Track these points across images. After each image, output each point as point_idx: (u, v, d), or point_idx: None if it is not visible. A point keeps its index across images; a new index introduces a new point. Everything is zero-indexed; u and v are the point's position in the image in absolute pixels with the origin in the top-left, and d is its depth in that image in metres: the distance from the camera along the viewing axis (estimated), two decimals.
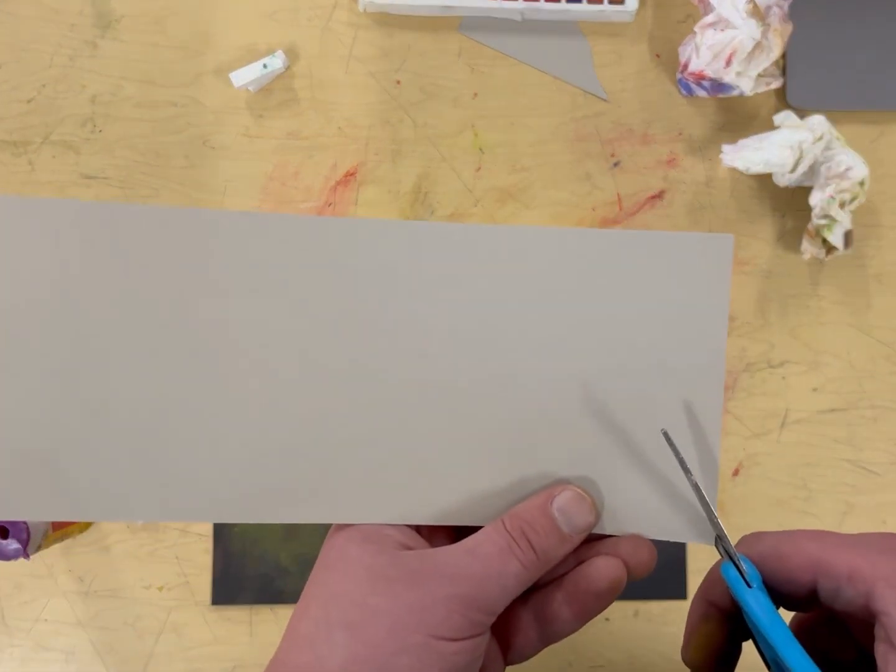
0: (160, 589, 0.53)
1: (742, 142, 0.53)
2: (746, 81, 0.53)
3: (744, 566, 0.29)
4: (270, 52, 0.56)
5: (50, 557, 0.53)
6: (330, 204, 0.56)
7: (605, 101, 0.57)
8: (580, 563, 0.32)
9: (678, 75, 0.56)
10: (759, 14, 0.51)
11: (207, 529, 0.53)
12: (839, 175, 0.51)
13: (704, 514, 0.31)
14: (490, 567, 0.30)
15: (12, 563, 0.52)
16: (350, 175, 0.56)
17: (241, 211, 0.33)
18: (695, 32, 0.53)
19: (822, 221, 0.52)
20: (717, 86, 0.55)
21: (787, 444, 0.55)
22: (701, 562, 0.53)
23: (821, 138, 0.52)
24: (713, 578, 0.31)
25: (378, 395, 0.32)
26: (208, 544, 0.53)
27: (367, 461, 0.32)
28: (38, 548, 0.52)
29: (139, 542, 0.53)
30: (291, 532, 0.53)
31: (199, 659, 0.52)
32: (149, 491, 0.32)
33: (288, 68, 0.56)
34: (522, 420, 0.33)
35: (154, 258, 0.32)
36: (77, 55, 0.56)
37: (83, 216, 0.32)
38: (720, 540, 0.31)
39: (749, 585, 0.29)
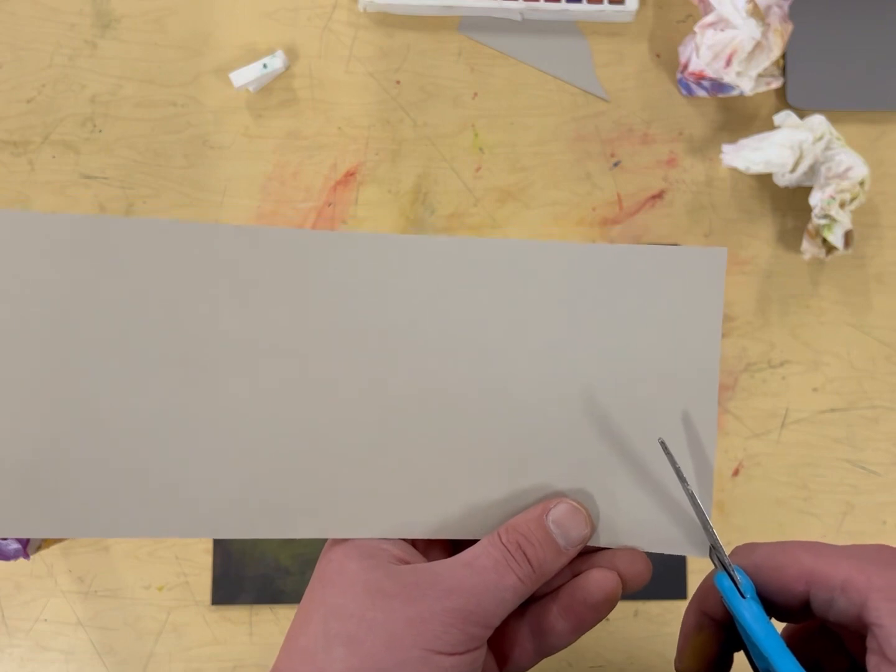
0: (160, 589, 0.53)
1: (742, 142, 0.53)
2: (746, 81, 0.53)
3: (738, 577, 0.29)
4: (270, 52, 0.56)
5: (50, 557, 0.53)
6: (330, 204, 0.56)
7: (605, 100, 0.57)
8: (575, 575, 0.32)
9: (678, 75, 0.56)
10: (759, 14, 0.51)
11: None
12: (839, 175, 0.51)
13: (699, 525, 0.31)
14: (487, 580, 0.30)
15: (12, 563, 0.52)
16: (350, 175, 0.56)
17: (235, 225, 0.32)
18: (695, 32, 0.53)
19: (823, 221, 0.52)
20: (717, 86, 0.55)
21: (787, 444, 0.55)
22: (701, 562, 0.53)
23: (821, 138, 0.52)
24: (707, 588, 0.31)
25: (373, 408, 0.32)
26: (208, 544, 0.53)
27: (363, 475, 0.32)
28: (38, 548, 0.52)
29: (139, 543, 0.53)
30: None
31: (199, 659, 0.52)
32: (141, 507, 0.31)
33: (288, 68, 0.56)
34: (518, 432, 0.33)
35: (145, 272, 0.32)
36: (77, 55, 0.56)
37: (73, 230, 0.31)
38: (714, 550, 0.31)
39: (743, 596, 0.29)
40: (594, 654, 0.52)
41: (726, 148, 0.53)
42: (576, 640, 0.32)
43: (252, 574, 0.52)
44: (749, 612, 0.29)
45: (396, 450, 0.32)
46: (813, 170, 0.53)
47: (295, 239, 0.32)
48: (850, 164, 0.51)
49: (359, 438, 0.32)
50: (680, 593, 0.53)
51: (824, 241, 0.52)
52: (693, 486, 0.32)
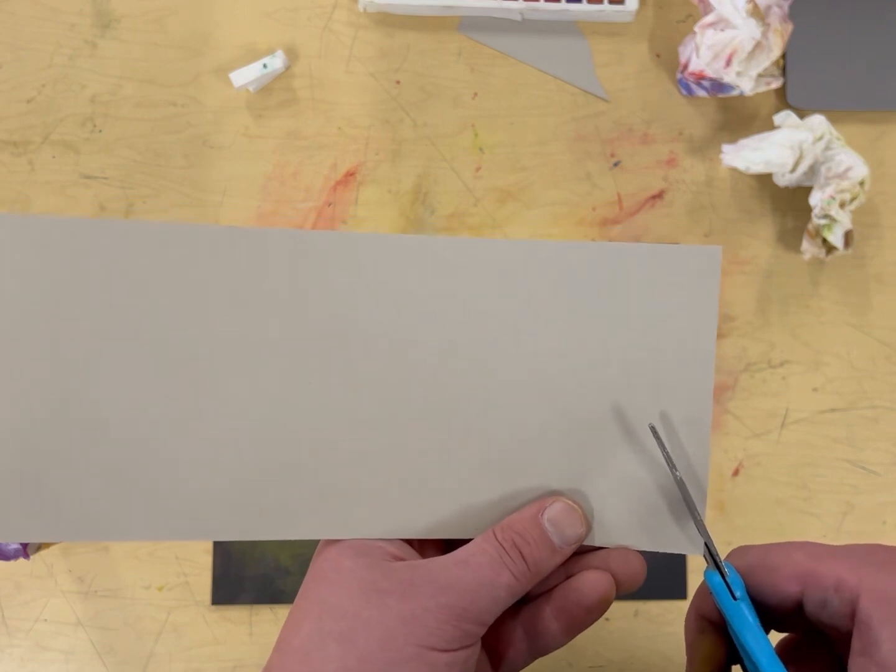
0: (160, 589, 0.53)
1: (742, 142, 0.53)
2: (746, 81, 0.53)
3: (726, 570, 0.29)
4: (270, 51, 0.56)
5: (50, 557, 0.53)
6: (330, 204, 0.56)
7: (605, 100, 0.57)
8: (569, 576, 0.32)
9: (678, 75, 0.56)
10: (759, 14, 0.51)
11: None
12: (839, 175, 0.51)
13: (692, 521, 0.31)
14: (481, 577, 0.30)
15: (12, 563, 0.52)
16: (350, 175, 0.56)
17: (229, 226, 0.32)
18: (695, 32, 0.53)
19: (823, 221, 0.52)
20: (717, 86, 0.55)
21: (787, 444, 0.55)
22: (701, 562, 0.53)
23: (821, 138, 0.52)
24: (704, 592, 0.31)
25: (368, 410, 0.32)
26: (208, 544, 0.53)
27: (359, 476, 0.32)
28: (38, 548, 0.52)
29: (139, 543, 0.53)
30: None
31: (199, 659, 0.52)
32: (139, 510, 0.31)
33: (288, 68, 0.56)
34: (512, 433, 0.33)
35: (143, 275, 0.32)
36: (77, 55, 0.56)
37: (70, 233, 0.31)
38: (706, 546, 0.31)
39: (732, 593, 0.29)
40: (594, 653, 0.52)
41: (726, 148, 0.53)
42: (569, 641, 0.32)
43: (252, 574, 0.52)
44: (736, 613, 0.29)
45: (392, 450, 0.32)
46: (813, 170, 0.53)
47: (291, 239, 0.32)
48: (850, 164, 0.51)
49: (355, 439, 0.32)
50: (680, 593, 0.53)
51: (824, 241, 0.52)
52: (687, 484, 0.32)
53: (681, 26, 0.57)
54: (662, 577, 0.53)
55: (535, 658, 0.33)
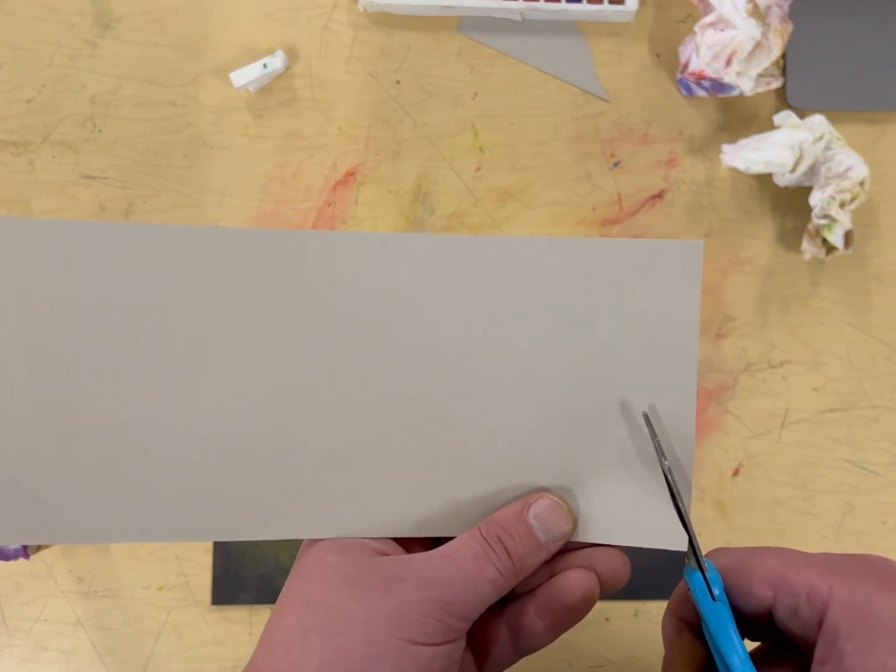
0: (160, 589, 0.53)
1: (742, 142, 0.53)
2: (746, 81, 0.53)
3: (705, 564, 0.29)
4: (270, 51, 0.56)
5: (50, 557, 0.53)
6: (330, 204, 0.56)
7: (605, 100, 0.57)
8: (553, 575, 0.32)
9: (678, 75, 0.56)
10: (759, 14, 0.51)
11: None
12: (839, 175, 0.51)
13: (678, 520, 0.31)
14: (466, 572, 0.30)
15: (12, 563, 0.52)
16: (350, 175, 0.56)
17: (217, 227, 0.32)
18: (695, 32, 0.53)
19: (823, 221, 0.52)
20: (717, 86, 0.55)
21: (787, 444, 0.55)
22: None
23: (821, 138, 0.52)
24: (680, 592, 0.31)
25: (353, 408, 0.32)
26: (208, 544, 0.53)
27: (343, 475, 0.32)
28: (38, 548, 0.52)
29: (139, 543, 0.53)
30: None
31: (199, 659, 0.52)
32: (123, 512, 0.31)
33: (288, 68, 0.56)
34: (498, 430, 0.33)
35: (125, 277, 0.31)
36: (77, 55, 0.56)
37: (54, 235, 0.31)
38: (690, 543, 0.31)
39: (711, 592, 0.29)
40: (594, 653, 0.52)
41: (726, 148, 0.53)
42: (554, 640, 0.32)
43: (252, 574, 0.52)
44: (714, 612, 0.29)
45: (377, 449, 0.32)
46: (813, 170, 0.53)
47: (275, 239, 0.32)
48: (850, 164, 0.51)
49: (339, 438, 0.32)
50: None
51: (824, 241, 0.52)
52: (672, 482, 0.32)
53: (681, 26, 0.57)
54: (662, 577, 0.53)
55: (521, 657, 0.33)
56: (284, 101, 0.56)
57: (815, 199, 0.52)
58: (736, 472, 0.54)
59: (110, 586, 0.53)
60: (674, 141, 0.57)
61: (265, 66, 0.55)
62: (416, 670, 0.28)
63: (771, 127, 0.54)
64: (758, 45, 0.51)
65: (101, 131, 0.56)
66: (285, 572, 0.52)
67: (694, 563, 0.30)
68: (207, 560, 0.53)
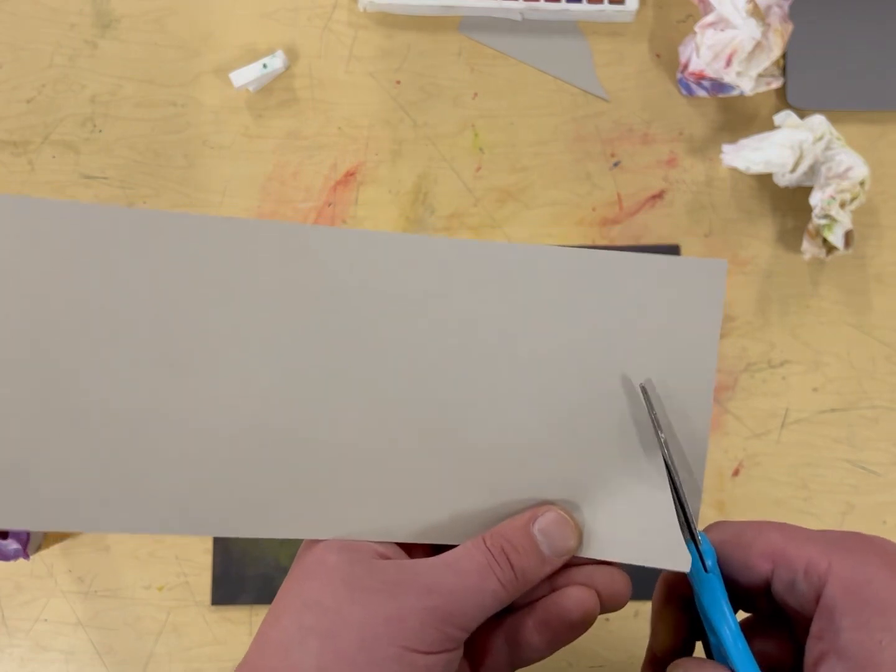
0: (160, 589, 0.53)
1: (742, 142, 0.53)
2: (746, 81, 0.53)
3: (698, 536, 0.30)
4: (270, 51, 0.56)
5: (50, 557, 0.53)
6: (330, 204, 0.56)
7: (605, 100, 0.57)
8: (554, 590, 0.32)
9: (678, 75, 0.56)
10: (759, 14, 0.51)
11: None
12: (839, 175, 0.51)
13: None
14: (468, 582, 0.29)
15: (12, 563, 0.52)
16: (350, 175, 0.56)
17: (225, 217, 0.32)
18: (695, 32, 0.53)
19: (823, 221, 0.52)
20: (718, 86, 0.55)
21: (787, 444, 0.54)
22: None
23: (821, 138, 0.52)
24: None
25: (361, 410, 0.32)
26: (208, 544, 0.53)
27: (347, 476, 0.32)
28: (38, 548, 0.52)
29: (139, 543, 0.53)
30: None
31: (199, 659, 0.52)
32: (123, 502, 0.31)
33: (288, 68, 0.56)
34: (507, 440, 0.32)
35: (134, 263, 0.31)
36: (77, 55, 0.56)
37: (61, 218, 0.31)
38: (683, 512, 0.31)
39: (704, 564, 0.29)
40: (594, 653, 0.52)
41: (726, 148, 0.53)
42: (550, 655, 0.32)
43: (252, 574, 0.52)
44: (706, 584, 0.29)
45: (383, 451, 0.32)
46: (813, 170, 0.53)
47: (286, 233, 0.32)
48: (850, 164, 0.51)
49: (345, 438, 0.32)
50: None
51: (824, 241, 0.52)
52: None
53: (681, 26, 0.57)
54: None
55: (516, 668, 0.32)
56: (284, 101, 0.56)
57: (815, 199, 0.52)
58: (736, 472, 0.54)
59: (110, 586, 0.53)
60: (674, 141, 0.57)
61: (265, 66, 0.55)
62: None
63: (771, 127, 0.54)
64: (758, 45, 0.51)
65: (101, 131, 0.56)
66: (285, 572, 0.52)
67: (688, 535, 0.30)
68: (207, 560, 0.53)
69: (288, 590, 0.31)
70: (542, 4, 0.56)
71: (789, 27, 0.52)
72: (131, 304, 0.31)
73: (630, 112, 0.57)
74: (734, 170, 0.55)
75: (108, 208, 0.31)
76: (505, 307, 0.32)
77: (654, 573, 0.32)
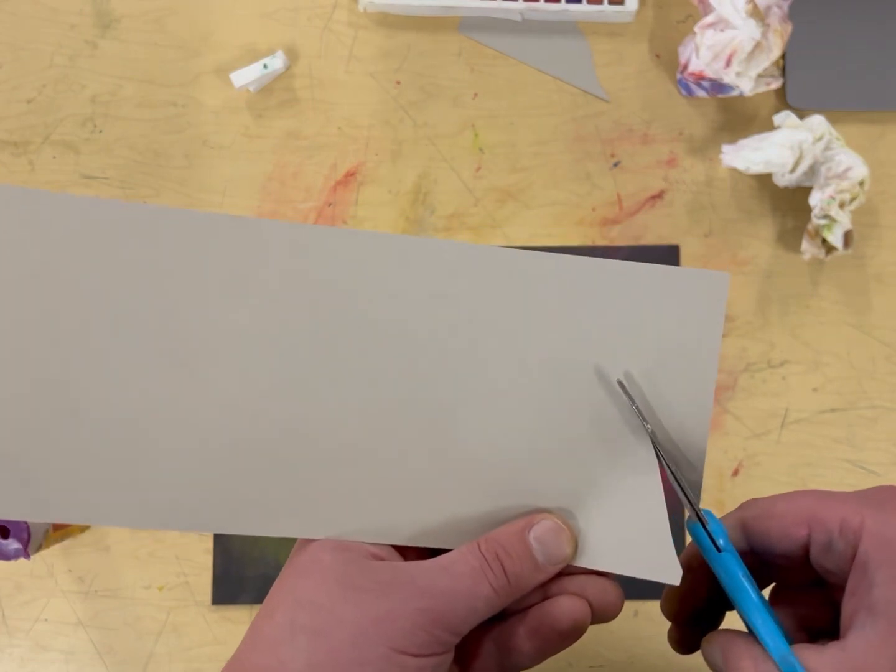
0: (160, 589, 0.53)
1: (742, 142, 0.53)
2: (746, 81, 0.53)
3: (706, 518, 0.29)
4: (270, 52, 0.56)
5: (50, 557, 0.53)
6: (330, 204, 0.56)
7: (605, 101, 0.57)
8: (546, 598, 0.32)
9: (678, 75, 0.56)
10: (759, 14, 0.51)
11: None
12: (839, 175, 0.51)
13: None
14: (461, 586, 0.29)
15: (12, 563, 0.52)
16: (350, 175, 0.56)
17: (226, 214, 0.32)
18: (695, 32, 0.53)
19: (822, 221, 0.52)
20: (717, 86, 0.55)
21: (787, 444, 0.55)
22: None
23: (821, 138, 0.52)
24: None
25: (360, 411, 0.32)
26: (208, 544, 0.53)
27: (345, 477, 0.32)
28: (39, 548, 0.52)
29: (139, 543, 0.53)
30: None
31: (199, 659, 0.52)
32: (120, 496, 0.31)
33: (288, 68, 0.56)
34: (505, 446, 0.32)
35: (136, 259, 0.31)
36: (77, 55, 0.56)
37: (64, 211, 0.30)
38: (684, 495, 0.30)
39: (715, 544, 0.29)
40: (594, 653, 0.52)
41: (726, 148, 0.53)
42: (540, 663, 0.32)
43: (252, 574, 0.52)
44: (720, 563, 0.29)
45: (381, 453, 0.32)
46: (813, 170, 0.53)
47: (288, 231, 0.32)
48: (850, 164, 0.51)
49: (342, 439, 0.32)
50: None
51: (824, 241, 0.52)
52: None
53: (681, 26, 0.57)
54: None
55: None
56: (284, 102, 0.56)
57: (815, 199, 0.52)
58: (736, 472, 0.54)
59: (110, 586, 0.53)
60: (674, 141, 0.57)
61: (265, 66, 0.55)
62: None
63: (771, 127, 0.54)
64: (757, 46, 0.51)
65: (101, 131, 0.56)
66: None
67: (694, 518, 0.30)
68: (207, 560, 0.53)
69: (281, 587, 0.31)
70: (541, 5, 0.56)
71: (789, 27, 0.52)
72: (133, 299, 0.31)
73: (630, 112, 0.57)
74: (734, 170, 0.55)
75: (111, 203, 0.31)
76: (505, 313, 0.32)
77: None
